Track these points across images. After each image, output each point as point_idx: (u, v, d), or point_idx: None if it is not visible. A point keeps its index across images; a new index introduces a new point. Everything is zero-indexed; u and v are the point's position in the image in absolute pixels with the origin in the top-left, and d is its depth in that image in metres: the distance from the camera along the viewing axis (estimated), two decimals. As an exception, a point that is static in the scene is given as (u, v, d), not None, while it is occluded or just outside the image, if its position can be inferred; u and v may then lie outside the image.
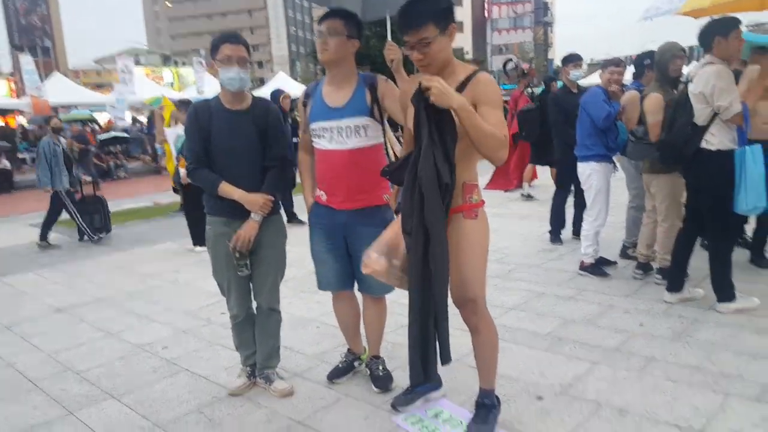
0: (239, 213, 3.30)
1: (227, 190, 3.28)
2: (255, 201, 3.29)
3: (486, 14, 75.97)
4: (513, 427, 3.01)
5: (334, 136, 3.18)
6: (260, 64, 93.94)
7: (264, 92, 26.90)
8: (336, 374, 3.64)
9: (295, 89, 25.29)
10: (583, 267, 5.50)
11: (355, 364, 3.69)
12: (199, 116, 3.32)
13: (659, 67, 4.91)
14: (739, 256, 5.42)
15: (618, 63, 5.62)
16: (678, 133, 4.22)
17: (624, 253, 5.92)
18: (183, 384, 3.79)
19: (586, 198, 5.57)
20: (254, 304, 3.60)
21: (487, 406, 2.96)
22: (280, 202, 3.47)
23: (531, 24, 74.49)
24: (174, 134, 7.95)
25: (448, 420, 3.10)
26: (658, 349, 3.78)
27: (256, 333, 3.60)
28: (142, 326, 4.92)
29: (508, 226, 7.64)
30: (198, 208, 7.32)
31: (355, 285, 3.49)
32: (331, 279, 3.45)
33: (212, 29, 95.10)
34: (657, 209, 5.02)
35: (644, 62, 5.41)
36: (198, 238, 7.42)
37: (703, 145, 4.16)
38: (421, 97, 2.47)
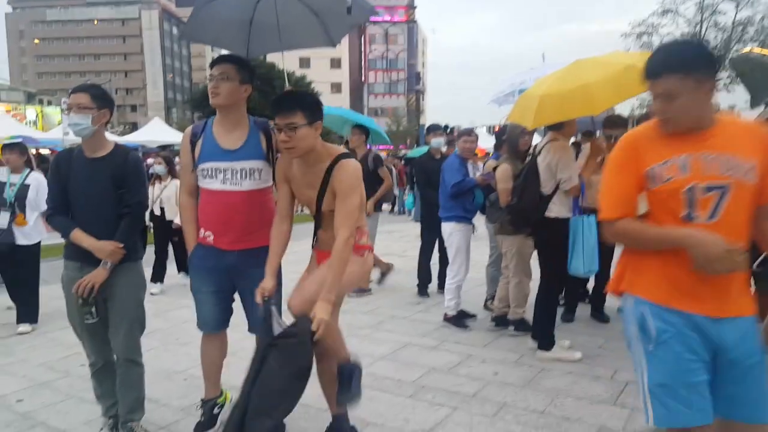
0: (93, 259, 3.22)
1: (79, 237, 3.22)
2: (102, 248, 3.21)
3: (363, 79, 79.57)
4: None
5: (228, 177, 3.20)
6: (134, 108, 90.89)
7: (138, 137, 26.06)
8: (201, 429, 3.54)
9: (170, 135, 24.89)
10: (446, 319, 5.84)
11: (215, 410, 3.58)
12: (60, 165, 3.32)
13: (510, 142, 5.46)
14: (583, 311, 6.00)
15: (470, 132, 6.18)
16: (528, 200, 4.66)
17: (486, 306, 6.36)
18: (39, 439, 3.62)
19: (448, 255, 5.97)
20: None
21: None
22: (138, 250, 3.40)
23: (404, 91, 79.14)
24: None
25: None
26: (510, 396, 4.10)
27: (117, 384, 3.42)
28: (-8, 379, 4.62)
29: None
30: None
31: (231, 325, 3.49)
32: (209, 320, 3.45)
33: (83, 69, 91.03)
34: (508, 267, 5.47)
35: (502, 137, 5.96)
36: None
37: (546, 212, 4.64)
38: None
